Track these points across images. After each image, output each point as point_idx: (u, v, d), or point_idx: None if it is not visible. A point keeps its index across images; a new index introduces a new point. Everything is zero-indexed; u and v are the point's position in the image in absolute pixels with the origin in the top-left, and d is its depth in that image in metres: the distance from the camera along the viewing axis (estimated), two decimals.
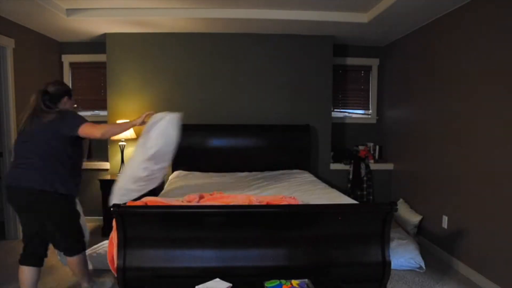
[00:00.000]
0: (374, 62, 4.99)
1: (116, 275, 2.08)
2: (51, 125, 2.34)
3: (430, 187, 3.75)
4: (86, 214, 4.54)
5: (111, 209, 1.99)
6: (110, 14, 3.75)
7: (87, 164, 4.53)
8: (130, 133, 4.24)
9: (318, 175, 4.39)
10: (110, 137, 2.88)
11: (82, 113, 4.77)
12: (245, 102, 4.49)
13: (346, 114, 5.07)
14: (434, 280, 3.02)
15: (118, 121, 4.24)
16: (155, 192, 2.81)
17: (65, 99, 2.54)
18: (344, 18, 3.85)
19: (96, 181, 4.40)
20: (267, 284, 1.87)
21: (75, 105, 4.42)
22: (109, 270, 2.53)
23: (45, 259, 2.52)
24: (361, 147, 4.80)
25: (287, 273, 2.01)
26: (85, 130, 2.34)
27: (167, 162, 2.50)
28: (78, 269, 2.54)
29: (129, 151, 4.41)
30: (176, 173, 4.06)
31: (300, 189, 3.15)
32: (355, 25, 3.98)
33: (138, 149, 2.44)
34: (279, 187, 3.29)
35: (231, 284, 1.88)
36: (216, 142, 4.30)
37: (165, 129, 2.37)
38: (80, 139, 2.44)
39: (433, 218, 3.68)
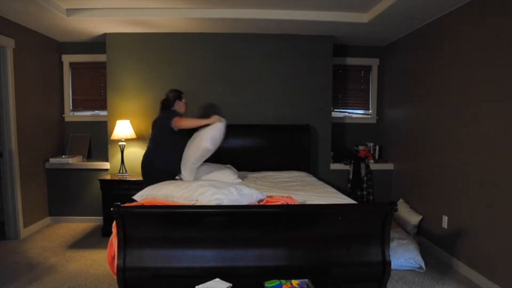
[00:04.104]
0: (374, 62, 4.99)
1: (115, 277, 2.08)
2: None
3: (430, 187, 3.75)
4: (86, 214, 4.61)
5: (111, 209, 1.99)
6: (110, 14, 3.76)
7: (87, 164, 4.53)
8: (130, 133, 4.24)
9: (318, 175, 4.40)
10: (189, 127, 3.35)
11: (82, 113, 4.84)
12: (245, 102, 4.49)
13: (346, 114, 5.07)
14: (434, 280, 3.02)
15: (119, 121, 4.24)
16: None
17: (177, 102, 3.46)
18: (344, 18, 3.85)
19: (96, 181, 4.40)
20: (267, 284, 1.87)
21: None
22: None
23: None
24: (361, 147, 4.80)
25: (287, 273, 2.00)
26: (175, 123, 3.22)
27: (214, 149, 3.19)
28: None
29: (129, 151, 4.42)
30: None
31: (300, 189, 3.15)
32: (355, 25, 3.98)
33: (203, 135, 3.16)
34: (278, 188, 3.28)
35: (231, 284, 1.87)
36: None
37: (220, 128, 3.16)
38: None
39: (433, 218, 3.68)
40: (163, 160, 3.25)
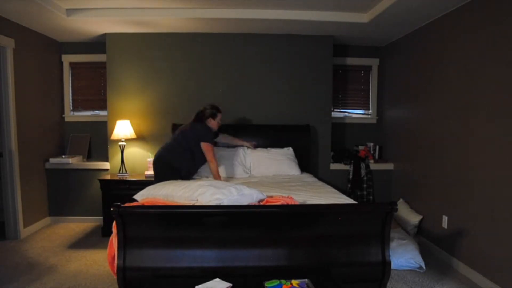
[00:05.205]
0: (374, 62, 4.99)
1: (115, 277, 2.08)
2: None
3: (430, 187, 3.75)
4: (86, 214, 4.60)
5: (111, 209, 1.99)
6: (110, 14, 3.76)
7: (87, 164, 4.53)
8: (130, 133, 4.24)
9: (318, 175, 4.40)
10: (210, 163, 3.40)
11: (82, 113, 4.84)
12: (245, 102, 4.49)
13: (346, 114, 5.07)
14: (434, 280, 3.02)
15: (119, 121, 4.25)
16: None
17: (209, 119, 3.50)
18: (344, 18, 3.85)
19: (96, 181, 4.40)
20: (267, 284, 1.87)
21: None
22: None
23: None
24: (361, 147, 4.80)
25: (287, 273, 2.00)
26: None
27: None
28: None
29: (128, 151, 4.42)
30: None
31: (300, 189, 3.15)
32: (355, 25, 3.98)
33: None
34: (279, 187, 3.28)
35: (231, 284, 1.87)
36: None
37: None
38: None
39: (433, 218, 3.68)
40: (182, 163, 3.36)
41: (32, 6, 3.34)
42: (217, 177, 3.31)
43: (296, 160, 4.14)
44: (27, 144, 4.09)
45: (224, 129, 4.34)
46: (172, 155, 3.36)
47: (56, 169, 4.50)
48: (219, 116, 3.54)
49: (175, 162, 3.33)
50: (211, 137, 3.45)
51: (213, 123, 3.51)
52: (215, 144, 3.61)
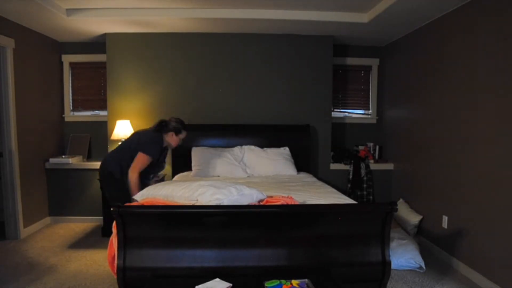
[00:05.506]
0: (374, 62, 4.99)
1: (115, 277, 2.08)
2: None
3: (430, 187, 3.75)
4: (85, 214, 4.61)
5: (111, 209, 1.99)
6: (110, 14, 3.76)
7: (87, 164, 4.53)
8: (130, 133, 4.23)
9: (318, 175, 4.40)
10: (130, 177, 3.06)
11: (82, 113, 4.84)
12: (245, 102, 4.49)
13: (346, 114, 5.07)
14: (434, 280, 3.02)
15: (119, 121, 4.25)
16: None
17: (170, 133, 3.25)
18: (344, 18, 3.85)
19: (96, 181, 4.40)
20: (267, 284, 1.87)
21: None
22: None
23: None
24: (361, 147, 4.80)
25: (287, 273, 2.00)
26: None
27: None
28: None
29: None
30: (176, 176, 4.01)
31: (300, 189, 3.15)
32: (355, 25, 3.98)
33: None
34: (279, 187, 3.28)
35: (231, 284, 1.88)
36: (216, 142, 4.30)
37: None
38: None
39: (433, 218, 3.68)
40: (120, 170, 3.10)
41: (32, 6, 3.34)
42: (133, 188, 2.95)
43: (293, 160, 4.14)
44: (27, 144, 4.09)
45: (224, 129, 4.37)
46: (116, 163, 3.11)
47: (56, 169, 4.49)
48: (183, 134, 3.28)
49: (117, 172, 3.09)
50: (156, 152, 3.12)
51: (173, 139, 3.25)
52: (154, 161, 3.16)
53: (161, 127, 3.22)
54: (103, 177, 3.23)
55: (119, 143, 4.20)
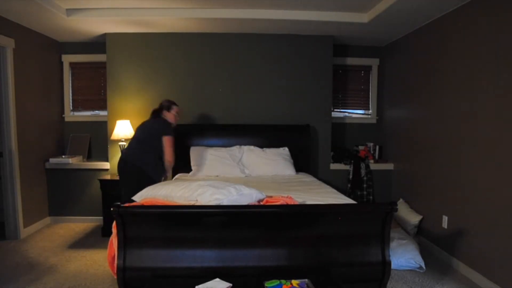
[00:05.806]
0: (374, 62, 4.99)
1: (115, 276, 2.08)
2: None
3: (430, 187, 3.75)
4: (85, 214, 4.61)
5: (111, 209, 1.99)
6: (110, 14, 3.76)
7: (87, 164, 4.54)
8: (130, 133, 4.24)
9: (318, 175, 4.40)
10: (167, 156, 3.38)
11: (82, 113, 4.84)
12: (245, 102, 4.49)
13: (346, 114, 5.07)
14: (434, 280, 3.02)
15: (119, 121, 4.25)
16: None
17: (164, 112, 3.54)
18: (344, 18, 3.85)
19: (96, 181, 4.40)
20: (267, 284, 1.87)
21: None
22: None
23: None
24: (361, 147, 4.80)
25: (287, 273, 2.00)
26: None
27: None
28: None
29: None
30: (176, 176, 4.01)
31: (300, 189, 3.15)
32: (355, 25, 3.98)
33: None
34: (277, 188, 3.28)
35: (231, 284, 1.88)
36: (216, 142, 4.30)
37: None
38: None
39: (433, 218, 3.68)
40: (154, 163, 3.31)
41: (32, 6, 3.34)
42: (169, 170, 3.38)
43: (292, 160, 4.13)
44: (27, 144, 4.09)
45: (224, 129, 4.37)
46: (141, 158, 3.26)
47: (56, 169, 4.50)
48: (174, 108, 3.55)
49: (147, 168, 3.25)
50: (173, 131, 3.42)
51: (169, 116, 3.53)
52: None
53: (157, 113, 3.54)
54: (131, 173, 3.25)
55: (120, 143, 4.23)
